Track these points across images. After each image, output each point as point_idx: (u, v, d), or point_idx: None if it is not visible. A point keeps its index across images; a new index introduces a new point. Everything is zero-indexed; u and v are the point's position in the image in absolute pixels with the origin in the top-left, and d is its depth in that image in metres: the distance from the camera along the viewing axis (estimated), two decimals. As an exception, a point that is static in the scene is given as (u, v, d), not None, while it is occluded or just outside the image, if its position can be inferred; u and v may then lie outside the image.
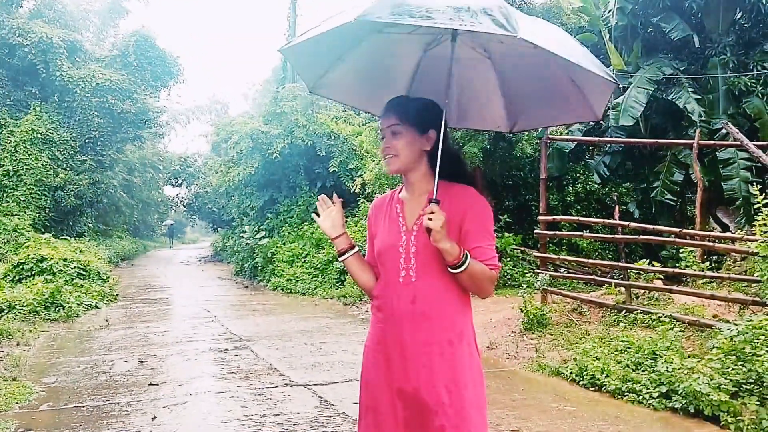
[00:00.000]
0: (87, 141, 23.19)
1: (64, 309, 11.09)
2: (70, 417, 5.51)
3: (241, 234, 20.28)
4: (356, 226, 14.00)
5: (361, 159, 16.95)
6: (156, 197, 39.85)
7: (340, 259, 2.48)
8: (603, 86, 2.48)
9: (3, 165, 20.65)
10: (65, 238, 17.70)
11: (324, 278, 15.07)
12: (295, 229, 17.97)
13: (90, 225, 24.25)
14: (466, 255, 2.21)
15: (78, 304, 11.67)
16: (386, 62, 2.75)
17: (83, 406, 5.81)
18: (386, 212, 2.47)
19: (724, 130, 10.09)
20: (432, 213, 2.12)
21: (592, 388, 6.16)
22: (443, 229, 2.12)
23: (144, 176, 34.34)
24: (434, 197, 2.20)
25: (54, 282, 12.12)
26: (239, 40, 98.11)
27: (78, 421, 5.38)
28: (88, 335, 9.58)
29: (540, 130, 9.46)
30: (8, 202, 19.84)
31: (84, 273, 14.00)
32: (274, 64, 27.96)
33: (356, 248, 2.47)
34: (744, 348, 5.40)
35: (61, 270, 13.34)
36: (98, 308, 12.28)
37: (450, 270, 2.23)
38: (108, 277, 15.11)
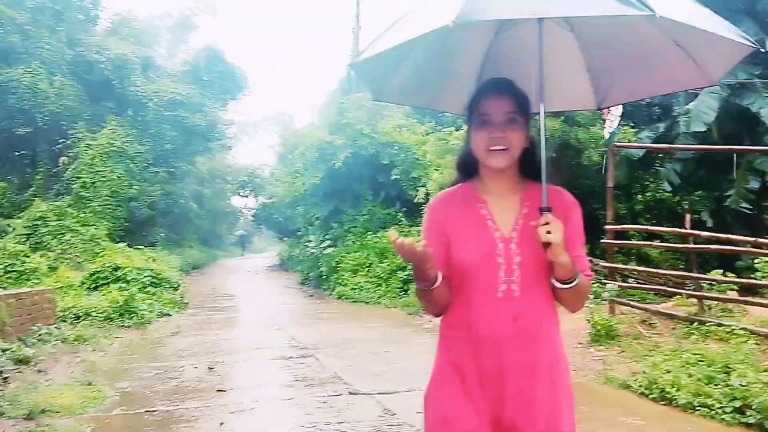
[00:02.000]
0: (160, 153, 23.96)
1: (137, 316, 11.50)
2: (142, 421, 5.69)
3: (306, 243, 20.53)
4: (420, 235, 13.97)
5: (425, 168, 16.95)
6: (225, 207, 40.76)
7: (430, 288, 2.00)
8: (728, 50, 2.12)
9: (81, 177, 21.51)
10: (139, 248, 18.30)
11: (387, 287, 15.12)
12: (359, 239, 18.08)
13: (162, 235, 24.99)
14: (577, 268, 1.97)
15: (150, 312, 12.07)
16: (452, 52, 2.39)
17: (154, 411, 5.99)
18: (465, 213, 2.10)
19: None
20: (547, 224, 1.86)
21: (662, 402, 5.97)
22: (563, 242, 1.87)
23: (213, 187, 35.22)
24: (545, 204, 1.93)
25: (128, 290, 12.57)
26: (306, 52, 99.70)
27: (149, 425, 5.56)
28: (159, 342, 9.88)
29: (608, 137, 9.27)
30: (85, 212, 20.63)
31: (156, 281, 14.46)
32: (339, 75, 28.37)
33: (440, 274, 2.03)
34: (824, 363, 5.16)
35: (134, 278, 13.82)
36: (169, 315, 12.65)
37: (559, 285, 1.97)
38: (179, 286, 15.56)
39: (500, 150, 2.02)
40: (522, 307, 2.00)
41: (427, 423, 2.10)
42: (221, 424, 5.57)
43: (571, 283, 1.96)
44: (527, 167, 2.12)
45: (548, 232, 1.85)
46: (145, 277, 14.23)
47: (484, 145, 2.04)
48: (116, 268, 14.00)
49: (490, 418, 2.00)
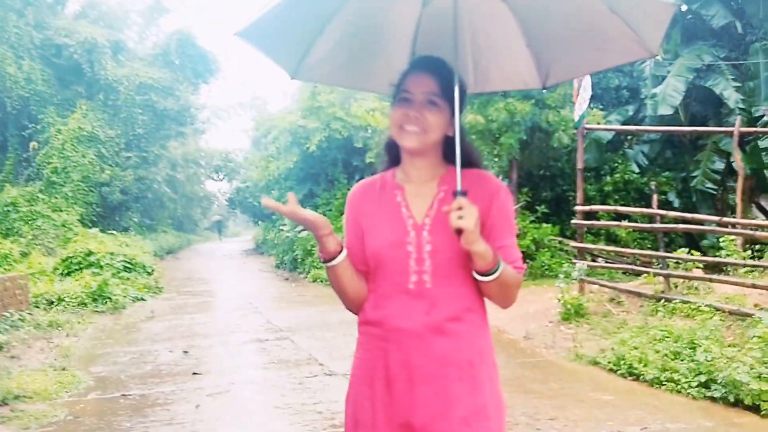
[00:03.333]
0: (131, 138, 23.68)
1: (111, 301, 11.45)
2: (116, 405, 5.72)
3: (281, 227, 20.53)
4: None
5: (379, 159, 16.99)
6: (198, 192, 40.47)
7: (328, 264, 1.86)
8: (656, 11, 1.99)
9: (51, 162, 21.22)
10: (112, 233, 18.17)
11: (363, 270, 15.17)
12: (334, 222, 18.10)
13: (135, 220, 24.78)
14: (499, 259, 1.77)
15: (124, 297, 12.03)
16: (377, 25, 2.18)
17: (129, 395, 6.02)
18: (380, 201, 1.95)
19: (766, 118, 9.89)
20: (460, 209, 1.66)
21: (630, 378, 6.15)
22: (477, 228, 1.67)
23: (187, 172, 34.88)
24: (459, 188, 1.75)
25: (101, 275, 12.50)
26: (233, 35, 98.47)
27: (124, 409, 5.59)
28: (134, 326, 9.87)
29: (577, 119, 9.39)
30: (57, 198, 20.37)
31: (130, 266, 14.40)
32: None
33: (345, 250, 1.89)
34: (785, 337, 5.34)
35: (108, 263, 13.75)
36: (144, 300, 12.62)
37: (478, 277, 1.78)
38: (153, 270, 15.50)
39: (416, 131, 1.86)
40: (435, 300, 1.82)
41: (345, 425, 1.97)
42: (197, 406, 5.61)
43: (491, 275, 1.76)
44: (452, 154, 1.88)
45: (460, 218, 1.66)
46: (119, 262, 14.16)
47: (397, 122, 1.88)
48: (89, 254, 13.90)
49: (402, 421, 1.81)
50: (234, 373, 6.84)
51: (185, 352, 7.86)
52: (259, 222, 32.71)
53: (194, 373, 6.79)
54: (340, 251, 1.86)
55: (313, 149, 18.41)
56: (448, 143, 1.91)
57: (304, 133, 18.84)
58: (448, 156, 1.93)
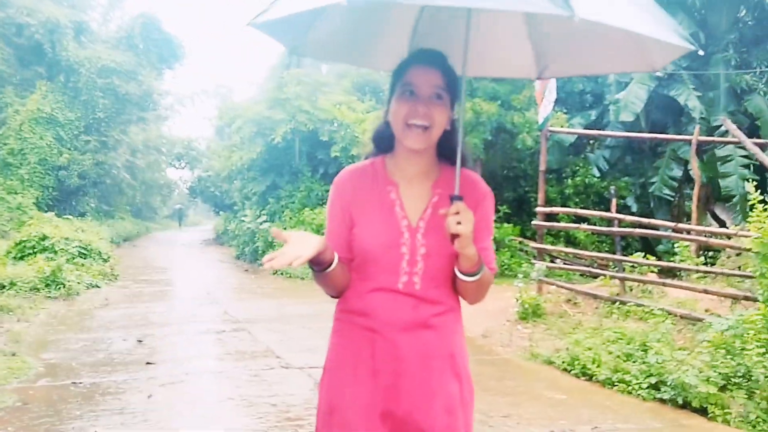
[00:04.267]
0: (91, 122, 23.24)
1: (64, 287, 11.20)
2: (67, 393, 5.60)
3: (243, 218, 20.36)
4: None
5: (364, 146, 16.97)
6: (159, 179, 39.92)
7: (324, 272, 1.86)
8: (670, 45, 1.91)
9: (8, 144, 20.72)
10: (67, 218, 17.81)
11: (324, 264, 15.12)
12: (296, 215, 18.03)
13: (93, 205, 24.35)
14: (482, 261, 1.86)
15: (78, 283, 11.79)
16: (380, 9, 2.20)
17: (80, 383, 5.90)
18: (373, 194, 1.95)
19: (723, 128, 10.11)
20: (457, 213, 1.71)
21: (583, 378, 6.24)
22: (472, 233, 1.74)
23: (147, 158, 34.36)
24: (457, 192, 1.80)
25: (55, 260, 12.21)
26: (246, 26, 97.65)
27: (75, 397, 5.48)
28: (87, 313, 9.69)
29: (541, 122, 9.49)
30: (12, 180, 19.91)
31: (85, 252, 14.13)
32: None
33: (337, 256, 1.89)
34: (734, 342, 5.47)
35: (62, 249, 13.44)
36: (98, 287, 12.38)
37: (463, 277, 1.85)
38: (109, 257, 15.22)
39: (420, 126, 1.85)
40: (422, 300, 1.89)
41: (319, 410, 2.00)
42: (149, 396, 5.53)
43: (475, 275, 1.85)
44: (444, 150, 1.96)
45: (458, 223, 1.71)
46: (74, 247, 13.86)
47: (403, 117, 1.87)
48: (43, 238, 13.58)
49: (382, 410, 1.88)
50: (189, 363, 6.75)
51: (139, 341, 7.74)
52: (220, 212, 32.40)
53: (148, 363, 6.68)
54: (332, 261, 1.85)
55: (278, 141, 18.28)
56: (442, 140, 1.93)
57: (269, 124, 18.69)
58: (442, 154, 1.97)
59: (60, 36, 22.22)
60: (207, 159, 32.71)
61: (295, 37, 2.16)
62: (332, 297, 2.02)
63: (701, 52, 2.42)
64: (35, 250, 13.18)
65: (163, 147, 37.10)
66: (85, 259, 13.82)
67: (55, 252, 13.15)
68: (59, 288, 11.12)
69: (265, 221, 18.71)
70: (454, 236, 1.73)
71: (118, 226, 25.87)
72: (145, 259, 19.71)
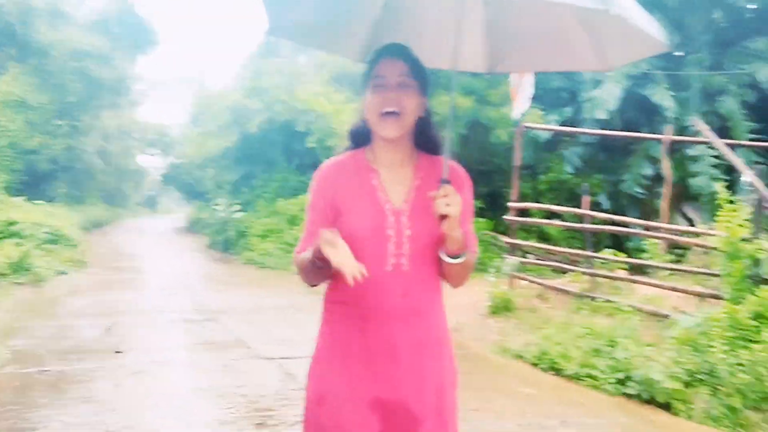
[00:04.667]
0: (63, 106, 22.85)
1: (32, 273, 11.04)
2: (33, 380, 5.54)
3: (215, 207, 20.22)
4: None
5: (341, 138, 16.93)
6: (131, 165, 39.40)
7: (323, 266, 1.84)
8: (638, 39, 2.08)
9: (-24, 126, 20.32)
10: (37, 203, 17.53)
11: (296, 254, 15.08)
12: (270, 204, 17.96)
13: (63, 190, 23.97)
14: (466, 243, 1.93)
15: (47, 269, 11.63)
16: None
17: (47, 370, 5.84)
18: (355, 183, 2.00)
19: (695, 128, 10.26)
20: (446, 196, 1.79)
21: (552, 372, 6.30)
22: (459, 216, 1.83)
23: (120, 144, 33.85)
24: (446, 176, 1.88)
25: (24, 246, 12.03)
26: (224, 13, 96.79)
27: (41, 385, 5.41)
28: (56, 300, 9.57)
29: (517, 117, 9.55)
30: (-20, 163, 19.53)
31: (55, 238, 13.94)
32: (258, 38, 27.76)
33: None
34: (699, 339, 5.55)
35: (31, 234, 13.25)
36: (67, 274, 12.23)
37: (449, 259, 1.91)
38: (79, 244, 15.03)
39: (392, 114, 1.93)
40: (410, 282, 1.94)
41: (306, 400, 2.04)
42: (117, 385, 5.48)
43: (460, 257, 1.92)
44: (421, 139, 2.05)
45: (447, 205, 1.79)
46: (43, 233, 13.66)
47: (376, 109, 1.95)
48: (12, 223, 13.36)
49: (373, 397, 1.93)
50: (158, 352, 6.70)
51: (108, 328, 7.66)
52: (193, 200, 32.10)
53: (116, 351, 6.62)
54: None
55: (253, 130, 18.16)
56: (417, 129, 2.02)
57: (245, 113, 18.55)
58: (418, 142, 2.05)
59: (33, 18, 21.77)
60: (181, 146, 32.35)
61: (279, 15, 2.19)
62: (310, 285, 2.04)
63: (678, 53, 2.49)
64: (3, 235, 12.97)
65: (136, 133, 36.55)
66: (54, 245, 13.63)
67: (24, 237, 12.95)
68: (27, 274, 10.96)
69: (238, 210, 18.61)
70: (443, 218, 1.80)
71: (89, 212, 25.51)
72: (115, 246, 19.49)
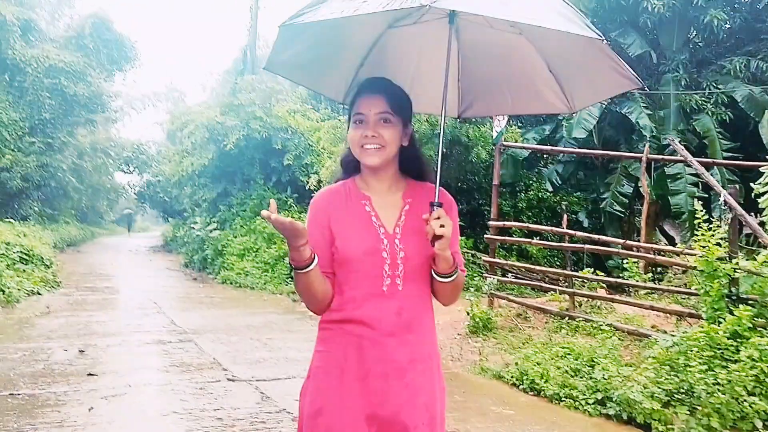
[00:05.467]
0: (37, 122, 22.59)
1: (4, 294, 10.79)
2: (3, 404, 5.38)
3: (192, 225, 20.03)
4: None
5: (318, 155, 16.90)
6: (106, 183, 39.01)
7: (303, 270, 1.96)
8: (609, 84, 2.24)
9: (-53, 143, 20.01)
10: (9, 221, 17.24)
11: (274, 273, 14.99)
12: (248, 223, 17.82)
13: (36, 209, 23.66)
14: (456, 263, 2.06)
15: (19, 290, 11.37)
16: (343, 35, 2.39)
17: (18, 394, 5.68)
18: (349, 209, 2.12)
19: (673, 146, 10.36)
20: (438, 218, 1.91)
21: (531, 393, 6.27)
22: (450, 236, 1.95)
23: (95, 161, 33.52)
24: (437, 200, 2.02)
25: (-5, 266, 11.79)
26: (200, 30, 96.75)
27: (12, 409, 5.26)
28: (27, 322, 9.35)
29: (495, 136, 9.57)
30: (-49, 181, 19.22)
31: (27, 258, 13.68)
32: (234, 55, 27.77)
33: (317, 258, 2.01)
34: (678, 359, 5.55)
35: (2, 254, 12.98)
36: (40, 294, 11.99)
37: (440, 279, 2.04)
38: (52, 263, 14.76)
39: (376, 148, 2.07)
40: (404, 301, 2.04)
41: (302, 415, 2.10)
42: (90, 409, 5.34)
43: (451, 276, 2.03)
44: (407, 166, 2.19)
45: (442, 226, 1.89)
46: (15, 252, 13.40)
47: (357, 143, 2.09)
48: (-18, 243, 13.11)
49: (368, 412, 2.00)
50: (132, 375, 6.56)
51: (81, 351, 7.49)
52: (170, 218, 31.83)
53: (89, 374, 6.47)
54: (314, 259, 1.96)
55: (230, 147, 18.06)
56: (403, 156, 2.16)
57: (222, 130, 18.46)
58: (404, 169, 2.19)
59: (6, 33, 21.55)
60: (157, 164, 32.14)
61: (276, 53, 2.34)
62: (316, 312, 2.11)
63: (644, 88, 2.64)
64: (-27, 254, 12.71)
65: (112, 150, 36.22)
66: (26, 264, 13.38)
67: (-5, 257, 12.70)
68: (-2, 294, 10.72)
69: (215, 229, 18.46)
70: (436, 239, 1.91)
71: (63, 231, 25.18)
72: (89, 266, 19.18)
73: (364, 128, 2.08)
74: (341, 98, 2.53)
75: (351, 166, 2.20)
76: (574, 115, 13.29)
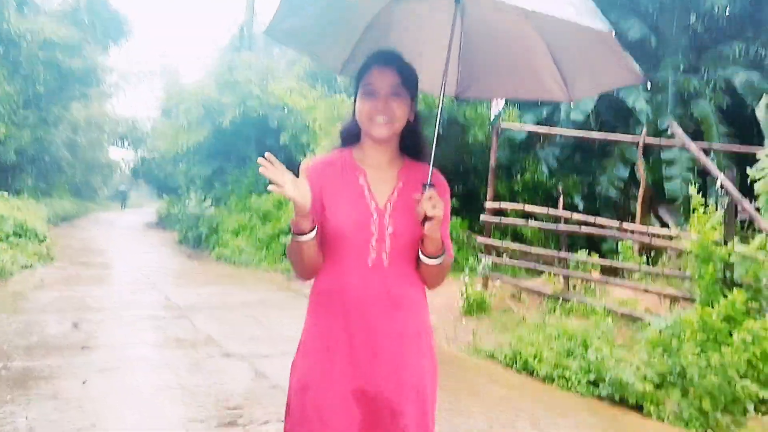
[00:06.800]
0: (31, 96, 22.37)
1: (-3, 267, 10.78)
2: (-3, 377, 5.38)
3: (187, 202, 19.98)
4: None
5: (315, 134, 16.82)
6: (101, 159, 38.80)
7: (301, 239, 1.96)
8: (610, 76, 2.29)
9: (-60, 116, 19.82)
10: (2, 195, 17.15)
11: (269, 251, 14.98)
12: (243, 200, 17.79)
13: (30, 183, 23.51)
14: (443, 245, 2.06)
15: (12, 263, 11.34)
16: (347, 5, 2.39)
17: (11, 366, 5.68)
18: (343, 180, 2.10)
19: (670, 131, 10.33)
20: (430, 199, 1.92)
21: (525, 373, 6.30)
22: (441, 218, 1.96)
23: (89, 136, 33.30)
24: (430, 180, 2.01)
25: (-12, 239, 11.76)
26: (197, 6, 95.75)
27: (5, 381, 5.27)
28: (21, 295, 9.34)
29: (494, 117, 9.54)
30: (-56, 154, 19.07)
31: (20, 231, 13.62)
32: (231, 31, 27.50)
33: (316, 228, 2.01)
34: (671, 341, 5.58)
35: (-5, 227, 12.94)
36: (33, 268, 11.97)
37: (426, 259, 2.04)
38: (45, 237, 14.71)
39: (385, 120, 2.05)
40: (390, 278, 2.03)
41: (290, 389, 2.10)
42: (84, 382, 5.35)
43: (438, 258, 2.04)
44: (407, 144, 2.18)
45: (434, 207, 1.91)
46: (9, 226, 13.35)
47: (367, 115, 2.07)
48: (-25, 215, 13.05)
49: (355, 387, 2.00)
50: (126, 350, 6.56)
51: (75, 325, 7.49)
52: (164, 195, 31.72)
53: (83, 348, 6.48)
54: (313, 228, 1.97)
55: (226, 125, 17.96)
56: (404, 133, 2.14)
57: (217, 107, 18.36)
58: (403, 145, 2.18)
59: (1, 6, 21.29)
60: (152, 140, 31.94)
61: (279, 18, 2.30)
62: (302, 279, 2.12)
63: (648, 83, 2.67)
64: (-33, 227, 12.66)
65: (106, 125, 35.99)
66: (20, 238, 13.32)
67: (-11, 230, 12.66)
68: (-9, 268, 10.70)
69: (210, 206, 18.42)
70: (426, 219, 1.92)
71: (57, 206, 25.06)
72: (83, 241, 19.14)
73: (375, 100, 2.06)
74: (339, 69, 2.51)
75: (350, 138, 2.19)
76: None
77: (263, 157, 1.88)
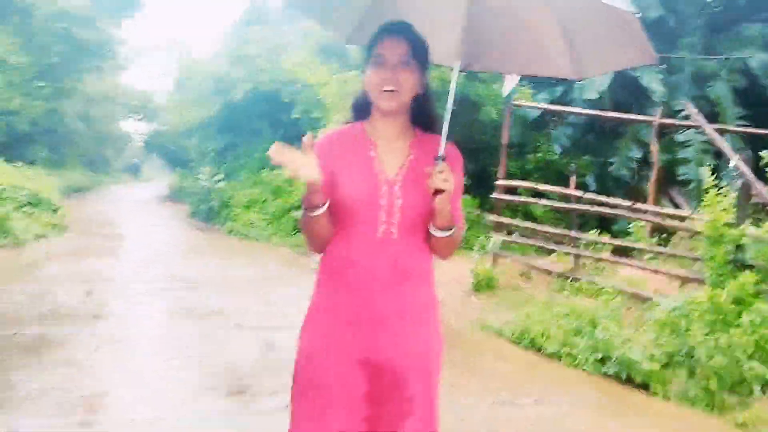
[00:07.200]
0: (45, 67, 22.38)
1: (12, 236, 10.88)
2: (10, 343, 5.46)
3: (199, 175, 20.02)
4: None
5: (327, 109, 16.77)
6: (114, 131, 38.91)
7: (313, 214, 1.97)
8: (622, 54, 2.26)
9: (-46, 85, 19.89)
10: (16, 165, 17.25)
11: (279, 225, 15.02)
12: (254, 175, 17.81)
13: (43, 154, 23.60)
14: (454, 218, 2.05)
15: (26, 232, 11.45)
16: None
17: (25, 333, 5.76)
18: (354, 152, 2.10)
19: (684, 112, 10.23)
20: (442, 172, 1.90)
21: (532, 350, 6.32)
22: (452, 192, 1.95)
23: (102, 109, 33.34)
24: (442, 153, 2.00)
25: (3, 208, 11.83)
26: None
27: (19, 347, 5.35)
28: (34, 264, 9.44)
29: (506, 95, 9.48)
30: (-42, 123, 19.17)
31: (34, 201, 13.71)
32: (244, 5, 27.34)
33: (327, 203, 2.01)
34: (679, 322, 5.58)
35: (10, 196, 13.02)
36: (47, 238, 12.07)
37: (437, 232, 2.03)
38: (59, 208, 14.81)
39: (392, 91, 2.02)
40: (399, 250, 2.03)
41: (297, 358, 2.12)
42: (96, 349, 5.43)
43: (448, 231, 2.03)
44: (418, 116, 2.15)
45: (445, 180, 1.90)
46: (23, 196, 13.44)
47: (375, 85, 2.04)
48: (-10, 184, 13.13)
49: (360, 357, 2.02)
50: (137, 320, 6.65)
51: (87, 294, 7.57)
52: (176, 168, 31.79)
53: (95, 317, 6.56)
54: (325, 203, 1.97)
55: (238, 99, 17.94)
56: (415, 104, 2.11)
57: (229, 82, 18.32)
58: (415, 118, 2.15)
59: (14, -24, 21.28)
60: (164, 113, 31.95)
61: None
62: (316, 252, 2.14)
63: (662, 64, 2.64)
64: (-20, 196, 12.75)
65: (119, 98, 36.03)
66: (33, 208, 13.41)
67: (3, 199, 12.74)
68: (6, 237, 10.79)
69: (221, 180, 18.46)
70: (437, 192, 1.92)
71: (69, 177, 25.18)
72: (96, 213, 19.26)
73: (383, 71, 2.03)
74: (345, 38, 2.50)
75: (362, 110, 2.17)
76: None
77: (275, 132, 1.88)
